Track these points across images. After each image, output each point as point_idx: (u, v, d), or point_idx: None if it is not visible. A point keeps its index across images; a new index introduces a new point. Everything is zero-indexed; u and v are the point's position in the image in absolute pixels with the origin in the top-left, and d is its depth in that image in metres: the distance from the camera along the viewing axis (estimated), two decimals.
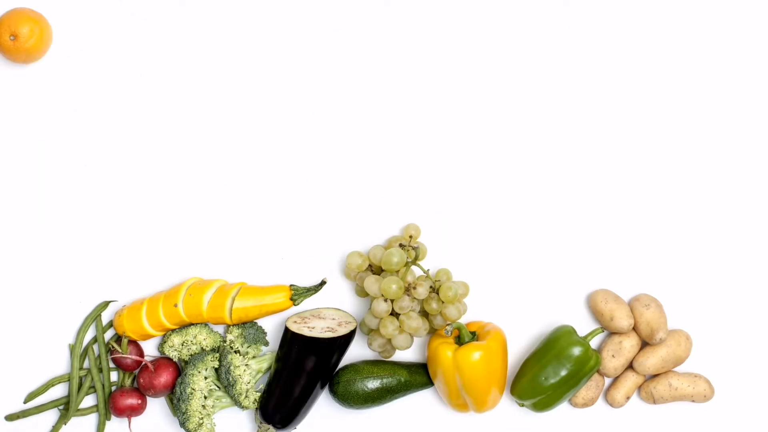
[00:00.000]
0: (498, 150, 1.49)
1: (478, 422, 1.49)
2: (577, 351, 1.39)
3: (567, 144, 1.49)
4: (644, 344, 1.46)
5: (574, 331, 1.42)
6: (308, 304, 1.48)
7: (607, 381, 1.48)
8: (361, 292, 1.46)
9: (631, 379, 1.46)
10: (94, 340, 1.46)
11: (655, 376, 1.46)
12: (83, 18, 1.48)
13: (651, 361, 1.43)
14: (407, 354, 1.49)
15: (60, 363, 1.47)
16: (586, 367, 1.39)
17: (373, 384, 1.43)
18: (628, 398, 1.46)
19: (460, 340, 1.41)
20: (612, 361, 1.44)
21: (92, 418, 1.47)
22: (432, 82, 1.49)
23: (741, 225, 1.49)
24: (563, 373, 1.39)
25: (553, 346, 1.41)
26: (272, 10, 1.49)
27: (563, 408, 1.48)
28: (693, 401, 1.45)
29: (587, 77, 1.50)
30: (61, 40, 1.47)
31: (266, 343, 1.46)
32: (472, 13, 1.49)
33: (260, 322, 1.47)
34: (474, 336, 1.42)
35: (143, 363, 1.45)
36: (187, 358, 1.45)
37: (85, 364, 1.46)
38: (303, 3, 1.49)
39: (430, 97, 1.49)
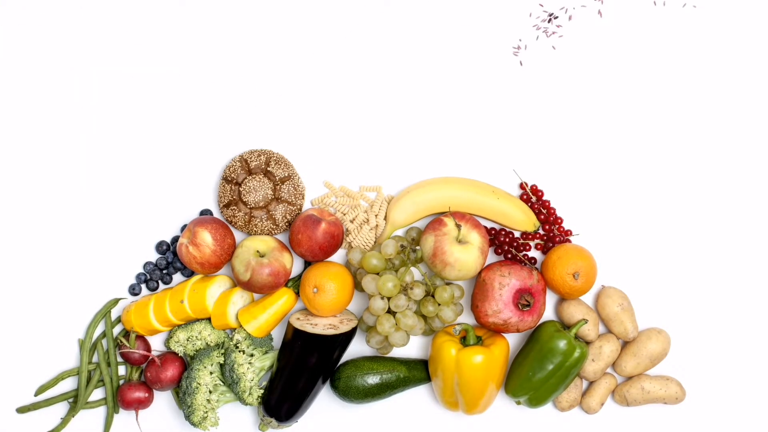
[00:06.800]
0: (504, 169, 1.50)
1: (473, 419, 1.50)
2: (561, 344, 1.40)
3: (554, 150, 1.50)
4: (624, 346, 1.48)
5: (558, 325, 1.43)
6: None
7: (584, 386, 1.50)
8: (359, 287, 1.48)
9: (603, 386, 1.48)
10: (103, 335, 1.47)
11: (629, 379, 1.48)
12: None
13: (631, 364, 1.46)
14: (406, 350, 1.50)
15: (70, 357, 1.48)
16: (571, 359, 1.40)
17: (372, 379, 1.45)
18: (602, 404, 1.48)
19: (465, 341, 1.43)
20: (592, 365, 1.45)
21: (100, 411, 1.48)
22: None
23: (718, 228, 1.50)
24: (550, 367, 1.40)
25: (538, 341, 1.42)
26: None
27: (548, 410, 1.50)
28: (665, 403, 1.47)
29: (587, 79, 1.50)
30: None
31: (271, 348, 1.47)
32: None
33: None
34: (479, 340, 1.44)
35: (150, 357, 1.46)
36: (192, 353, 1.46)
37: (94, 359, 1.48)
38: None
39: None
